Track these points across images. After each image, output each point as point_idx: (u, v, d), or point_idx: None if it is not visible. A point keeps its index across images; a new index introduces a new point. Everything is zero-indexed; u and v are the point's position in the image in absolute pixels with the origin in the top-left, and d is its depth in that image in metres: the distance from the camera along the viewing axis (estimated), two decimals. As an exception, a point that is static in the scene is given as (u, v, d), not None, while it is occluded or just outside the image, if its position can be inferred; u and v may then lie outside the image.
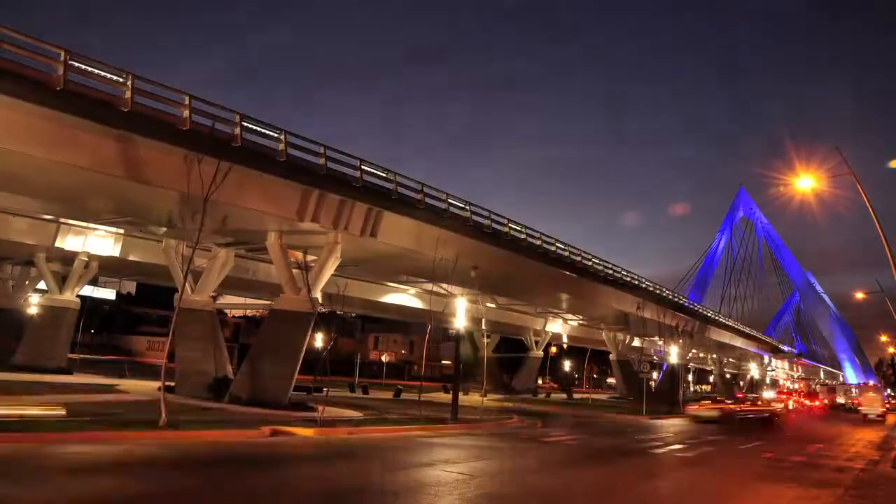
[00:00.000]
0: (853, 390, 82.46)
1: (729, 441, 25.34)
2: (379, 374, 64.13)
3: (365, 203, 26.02)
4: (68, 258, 34.31)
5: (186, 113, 20.09)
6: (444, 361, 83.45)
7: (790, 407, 74.13)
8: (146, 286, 60.84)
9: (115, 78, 18.69)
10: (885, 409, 57.34)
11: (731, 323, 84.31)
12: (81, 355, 44.17)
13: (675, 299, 62.07)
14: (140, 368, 43.42)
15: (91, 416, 16.55)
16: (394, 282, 43.37)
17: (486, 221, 32.82)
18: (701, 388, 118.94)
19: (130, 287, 67.10)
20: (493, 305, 49.00)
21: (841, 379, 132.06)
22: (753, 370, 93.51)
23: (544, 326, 63.54)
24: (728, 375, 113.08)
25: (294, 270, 26.60)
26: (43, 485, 9.12)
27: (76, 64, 17.74)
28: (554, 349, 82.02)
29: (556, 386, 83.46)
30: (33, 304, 37.74)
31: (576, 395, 66.59)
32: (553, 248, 38.69)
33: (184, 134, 19.91)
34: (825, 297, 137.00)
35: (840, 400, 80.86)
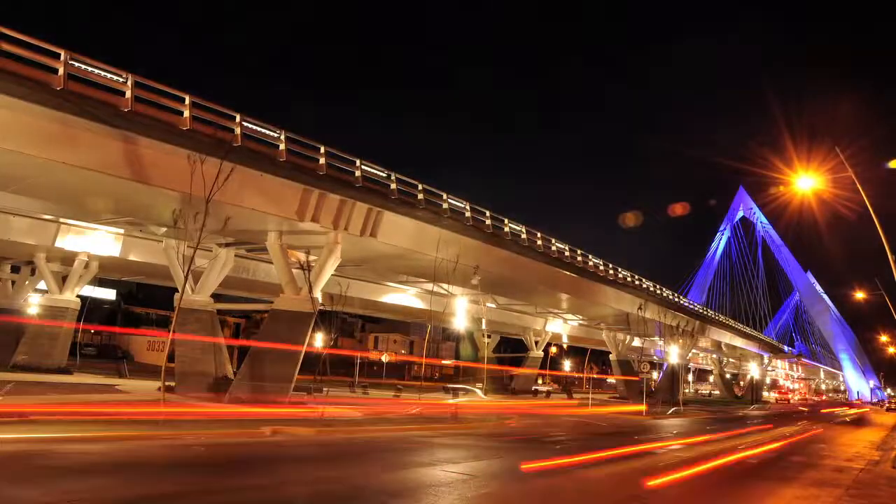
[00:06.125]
0: None
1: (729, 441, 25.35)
2: (379, 374, 64.16)
3: (365, 203, 26.04)
4: (68, 258, 34.27)
5: (187, 113, 20.10)
6: (444, 361, 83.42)
7: None
8: (146, 286, 60.68)
9: (115, 78, 18.71)
10: None
11: (731, 323, 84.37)
12: (81, 356, 44.13)
13: (676, 299, 62.11)
14: (140, 368, 43.38)
15: (91, 415, 16.55)
16: (394, 282, 43.31)
17: (486, 221, 32.79)
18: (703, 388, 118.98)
19: (130, 287, 66.88)
20: (493, 305, 48.95)
21: (841, 379, 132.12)
22: (753, 370, 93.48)
23: (544, 326, 63.50)
24: (728, 375, 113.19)
25: (294, 270, 26.61)
26: (43, 484, 9.11)
27: (77, 64, 17.76)
28: (554, 349, 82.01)
29: (556, 386, 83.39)
30: (33, 304, 37.65)
31: (575, 395, 66.54)
32: (553, 248, 38.64)
33: (185, 134, 19.92)
34: (825, 297, 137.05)
35: None
